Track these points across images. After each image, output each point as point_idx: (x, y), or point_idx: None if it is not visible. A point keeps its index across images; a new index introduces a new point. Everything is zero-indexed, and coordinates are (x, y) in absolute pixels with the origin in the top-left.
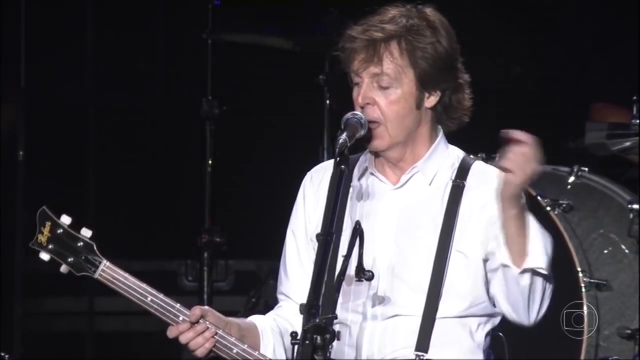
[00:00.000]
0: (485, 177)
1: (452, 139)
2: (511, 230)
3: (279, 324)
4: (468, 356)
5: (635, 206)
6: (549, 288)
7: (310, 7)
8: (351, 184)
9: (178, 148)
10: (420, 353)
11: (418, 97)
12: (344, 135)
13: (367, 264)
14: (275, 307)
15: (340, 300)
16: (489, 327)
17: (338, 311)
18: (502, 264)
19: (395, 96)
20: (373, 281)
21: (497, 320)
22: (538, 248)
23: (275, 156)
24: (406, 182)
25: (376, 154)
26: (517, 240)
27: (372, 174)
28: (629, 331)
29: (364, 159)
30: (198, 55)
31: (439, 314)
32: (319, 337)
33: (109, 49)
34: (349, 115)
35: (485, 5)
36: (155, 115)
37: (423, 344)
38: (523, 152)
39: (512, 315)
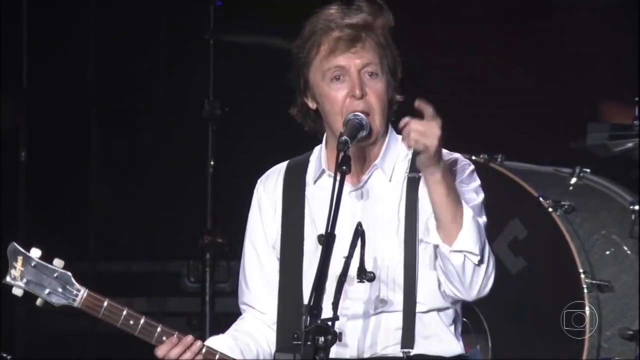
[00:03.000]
0: None
1: (453, 140)
2: (437, 200)
3: (239, 343)
4: (448, 345)
5: (637, 207)
6: (488, 270)
7: (312, 7)
8: (306, 188)
9: (180, 149)
10: (406, 350)
11: (391, 88)
12: (345, 136)
13: (345, 267)
14: (238, 320)
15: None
16: (457, 312)
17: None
18: (434, 243)
19: (381, 85)
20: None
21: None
22: (470, 232)
23: (277, 157)
24: (367, 180)
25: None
26: (445, 213)
27: (330, 176)
28: (630, 332)
29: (317, 161)
30: (200, 56)
31: (419, 309)
32: (321, 338)
33: (111, 49)
34: (350, 116)
35: (487, 6)
36: (157, 115)
37: (408, 340)
38: (421, 125)
39: (452, 291)
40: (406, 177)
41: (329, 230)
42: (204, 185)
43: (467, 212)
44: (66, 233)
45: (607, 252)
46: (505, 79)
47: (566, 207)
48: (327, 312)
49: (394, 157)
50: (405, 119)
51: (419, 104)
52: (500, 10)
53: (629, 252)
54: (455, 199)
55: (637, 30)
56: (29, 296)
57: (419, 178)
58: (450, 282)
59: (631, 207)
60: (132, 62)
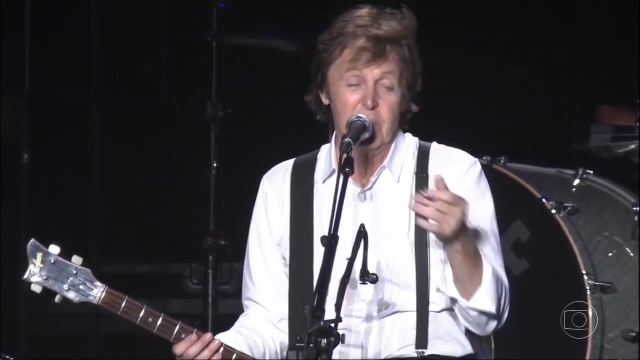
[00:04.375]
0: (445, 158)
1: (455, 141)
2: (455, 264)
3: (247, 339)
4: (461, 345)
5: None
6: (504, 317)
7: (314, 9)
8: (314, 186)
9: (182, 150)
10: (420, 350)
11: (406, 101)
12: (347, 138)
13: (354, 268)
14: (241, 316)
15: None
16: None
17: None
18: (451, 297)
19: (395, 99)
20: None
21: None
22: (488, 290)
23: (279, 159)
24: (375, 182)
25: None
26: (463, 274)
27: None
28: (633, 334)
29: (327, 160)
30: (202, 57)
31: (433, 308)
32: (323, 340)
33: (113, 51)
34: (353, 117)
35: (489, 6)
36: (160, 117)
37: (422, 340)
38: (445, 207)
39: (468, 327)
40: (414, 177)
41: (331, 232)
42: (207, 187)
43: (487, 270)
44: (69, 235)
45: (610, 254)
46: (508, 80)
47: (569, 208)
48: (334, 313)
49: (401, 157)
50: (430, 194)
51: (439, 179)
52: (502, 10)
53: (631, 253)
54: (475, 260)
55: (638, 32)
56: (36, 296)
57: (427, 176)
58: (466, 321)
59: (634, 209)
60: (134, 64)
